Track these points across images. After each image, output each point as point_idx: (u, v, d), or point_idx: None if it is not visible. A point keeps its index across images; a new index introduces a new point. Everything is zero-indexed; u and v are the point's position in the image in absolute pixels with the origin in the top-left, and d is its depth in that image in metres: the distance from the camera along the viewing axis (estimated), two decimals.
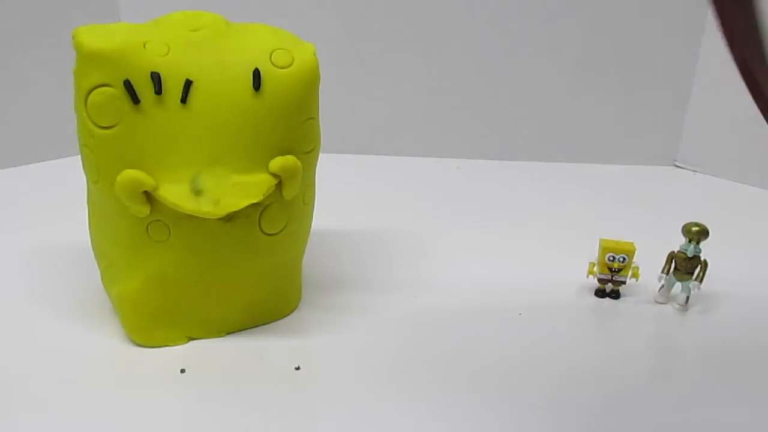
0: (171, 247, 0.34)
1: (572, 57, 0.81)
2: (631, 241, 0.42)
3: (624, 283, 0.43)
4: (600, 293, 0.43)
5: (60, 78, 0.40)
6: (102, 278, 0.39)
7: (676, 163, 0.86)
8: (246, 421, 0.30)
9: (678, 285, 0.42)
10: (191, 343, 0.37)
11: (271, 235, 0.36)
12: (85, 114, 0.33)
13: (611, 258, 0.42)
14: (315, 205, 0.40)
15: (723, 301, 0.42)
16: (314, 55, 0.35)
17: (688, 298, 0.42)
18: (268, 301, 0.39)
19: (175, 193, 0.32)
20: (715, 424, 0.32)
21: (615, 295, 0.43)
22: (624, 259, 0.41)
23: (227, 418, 0.31)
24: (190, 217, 0.33)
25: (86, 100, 0.32)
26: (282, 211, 0.36)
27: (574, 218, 0.61)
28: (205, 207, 0.32)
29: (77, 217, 0.40)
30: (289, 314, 0.40)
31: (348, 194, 0.63)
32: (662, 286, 0.43)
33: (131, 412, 0.31)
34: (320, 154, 0.39)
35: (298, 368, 0.35)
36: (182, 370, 0.34)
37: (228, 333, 0.38)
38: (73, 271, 0.44)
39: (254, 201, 0.33)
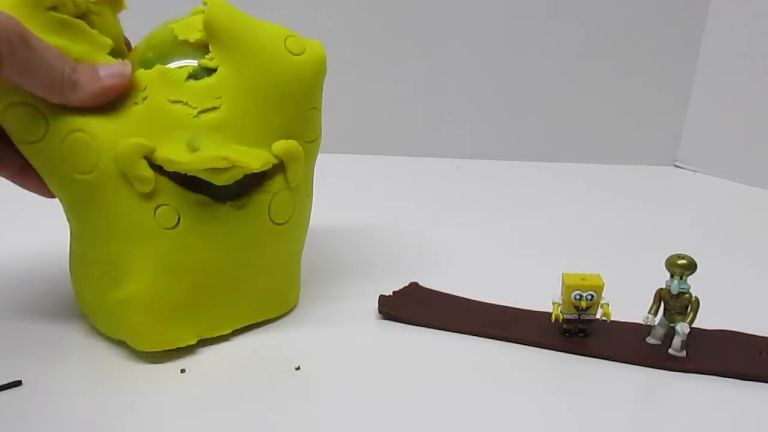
0: (180, 236, 0.34)
1: (572, 57, 0.81)
2: (597, 273, 0.37)
3: (592, 322, 0.37)
4: (567, 332, 0.38)
5: None
6: (84, 299, 0.37)
7: (676, 163, 0.86)
8: (246, 421, 0.30)
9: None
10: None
11: (278, 224, 0.36)
12: None
13: (578, 297, 0.36)
14: (315, 204, 0.41)
15: (721, 302, 0.41)
16: (323, 48, 0.37)
17: (683, 342, 0.36)
18: (273, 294, 0.38)
19: (170, 151, 0.33)
20: None
21: (584, 333, 0.38)
22: (592, 296, 0.36)
23: (227, 418, 0.31)
24: (199, 202, 0.33)
25: None
26: (290, 200, 0.36)
27: (574, 218, 0.61)
28: (200, 158, 0.32)
29: None
30: (290, 310, 0.40)
31: (348, 194, 0.63)
32: (653, 328, 0.38)
33: (131, 411, 0.31)
34: (320, 155, 0.39)
35: (298, 368, 0.35)
36: (182, 370, 0.34)
37: (234, 330, 0.37)
38: None
39: (252, 165, 0.33)
